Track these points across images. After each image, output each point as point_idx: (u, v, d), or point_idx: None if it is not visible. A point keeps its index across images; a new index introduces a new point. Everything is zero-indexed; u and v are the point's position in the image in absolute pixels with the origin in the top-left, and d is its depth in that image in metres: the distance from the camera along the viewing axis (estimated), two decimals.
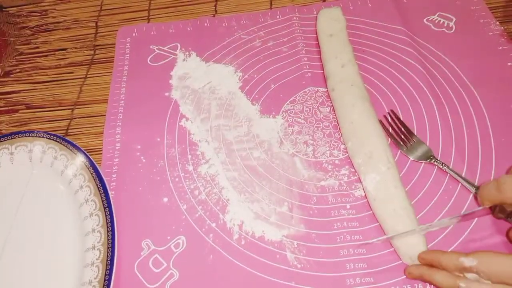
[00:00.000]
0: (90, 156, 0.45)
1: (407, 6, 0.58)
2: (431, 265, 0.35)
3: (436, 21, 0.56)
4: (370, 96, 0.47)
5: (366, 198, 0.42)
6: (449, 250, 0.38)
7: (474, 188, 0.41)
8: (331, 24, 0.52)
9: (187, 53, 0.57)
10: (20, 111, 0.54)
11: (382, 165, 0.41)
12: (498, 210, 0.37)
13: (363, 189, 0.43)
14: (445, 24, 0.55)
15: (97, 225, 0.41)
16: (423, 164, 0.44)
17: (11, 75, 0.58)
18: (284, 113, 0.50)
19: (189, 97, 0.52)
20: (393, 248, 0.39)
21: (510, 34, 0.53)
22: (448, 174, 0.43)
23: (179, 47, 0.57)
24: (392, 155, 0.42)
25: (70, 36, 0.62)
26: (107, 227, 0.41)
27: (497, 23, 0.54)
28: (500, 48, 0.52)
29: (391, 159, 0.41)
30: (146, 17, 0.62)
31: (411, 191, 0.42)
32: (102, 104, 0.53)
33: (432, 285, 0.36)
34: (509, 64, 0.50)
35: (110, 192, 0.43)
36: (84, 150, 0.46)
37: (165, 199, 0.45)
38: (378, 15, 0.57)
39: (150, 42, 0.58)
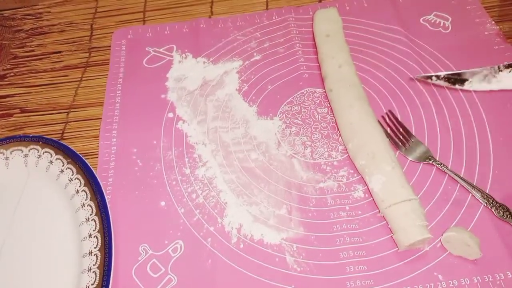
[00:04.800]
0: (86, 160, 0.45)
1: (403, 6, 0.58)
2: None
3: (432, 21, 0.56)
4: (368, 97, 0.47)
5: (371, 199, 0.42)
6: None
7: (473, 188, 0.41)
8: (328, 24, 0.52)
9: (183, 54, 0.56)
10: (15, 115, 0.54)
11: (386, 165, 0.40)
12: None
13: (363, 191, 0.43)
14: (441, 23, 0.55)
15: (94, 230, 0.41)
16: (421, 164, 0.44)
17: (5, 79, 0.58)
18: (281, 114, 0.50)
19: (186, 99, 0.52)
20: (393, 250, 0.39)
21: (505, 33, 0.53)
22: (447, 175, 0.42)
23: (175, 48, 0.57)
24: (394, 154, 0.42)
25: (65, 39, 0.61)
26: (104, 232, 0.40)
27: (493, 22, 0.54)
28: (496, 47, 0.52)
29: (394, 158, 0.41)
30: (142, 19, 0.62)
31: None
32: (98, 107, 0.53)
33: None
34: (504, 63, 0.50)
35: (106, 197, 0.43)
36: (80, 154, 0.46)
37: (162, 203, 0.44)
38: (375, 15, 0.57)
39: (145, 44, 0.58)
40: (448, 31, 0.55)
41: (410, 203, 0.38)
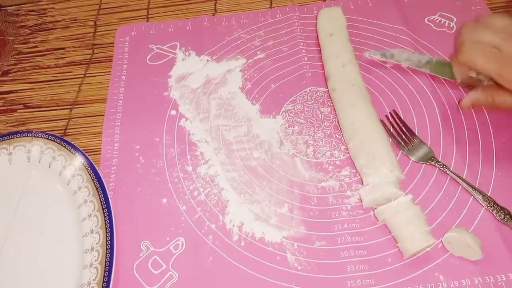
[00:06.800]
0: (88, 157, 0.45)
1: (408, 5, 0.58)
2: None
3: (437, 21, 0.56)
4: (371, 96, 0.47)
5: None
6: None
7: (474, 191, 0.40)
8: (332, 23, 0.52)
9: (187, 52, 0.56)
10: (18, 111, 0.54)
11: (385, 167, 0.40)
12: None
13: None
14: (446, 24, 0.55)
15: (96, 226, 0.41)
16: (424, 165, 0.44)
17: (9, 75, 0.58)
18: (284, 113, 0.50)
19: (189, 97, 0.52)
20: (394, 250, 0.39)
21: None
22: (449, 176, 0.42)
23: (178, 46, 0.57)
24: (395, 156, 0.42)
25: (69, 35, 0.61)
26: (106, 228, 0.40)
27: None
28: None
29: (394, 160, 0.41)
30: (145, 16, 0.62)
31: (412, 192, 0.41)
32: (101, 104, 0.53)
33: None
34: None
35: (108, 193, 0.43)
36: (83, 150, 0.46)
37: (164, 200, 0.44)
38: (379, 14, 0.57)
39: (149, 41, 0.58)
40: (453, 31, 0.54)
41: (412, 210, 0.38)
